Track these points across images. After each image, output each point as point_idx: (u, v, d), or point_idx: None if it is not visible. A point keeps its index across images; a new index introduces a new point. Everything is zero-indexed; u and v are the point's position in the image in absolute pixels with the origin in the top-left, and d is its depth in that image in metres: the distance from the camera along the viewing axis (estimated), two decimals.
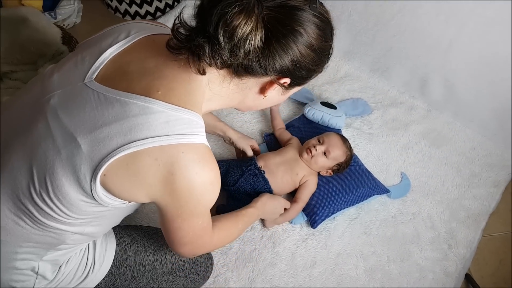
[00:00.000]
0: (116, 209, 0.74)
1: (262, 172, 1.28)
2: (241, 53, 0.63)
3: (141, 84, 0.67)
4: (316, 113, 1.50)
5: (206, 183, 0.69)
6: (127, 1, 1.92)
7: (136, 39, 0.74)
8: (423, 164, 1.51)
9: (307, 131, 1.50)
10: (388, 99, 1.67)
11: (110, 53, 0.71)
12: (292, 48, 0.66)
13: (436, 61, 1.60)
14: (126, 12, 1.97)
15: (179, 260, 1.00)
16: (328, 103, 1.53)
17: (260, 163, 1.30)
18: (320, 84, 1.68)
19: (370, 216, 1.37)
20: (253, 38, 0.62)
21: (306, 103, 1.55)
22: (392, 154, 1.52)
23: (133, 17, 2.00)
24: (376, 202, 1.39)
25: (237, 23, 0.60)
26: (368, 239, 1.32)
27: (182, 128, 0.66)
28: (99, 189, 0.66)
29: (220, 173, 1.26)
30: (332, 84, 1.69)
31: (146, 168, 0.65)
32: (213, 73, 0.70)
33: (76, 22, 1.96)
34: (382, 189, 1.38)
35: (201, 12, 0.64)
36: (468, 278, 1.35)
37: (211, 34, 0.62)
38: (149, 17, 2.00)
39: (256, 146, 1.38)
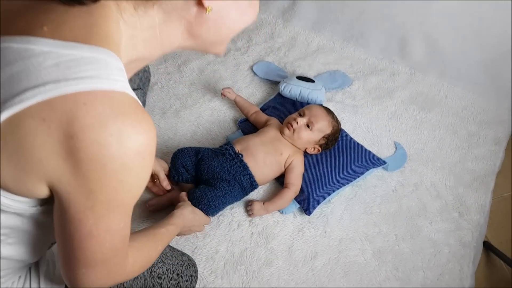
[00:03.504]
0: (31, 218, 0.54)
1: (240, 155, 1.12)
2: None
3: (20, 22, 0.48)
4: (293, 88, 1.36)
5: (131, 152, 0.47)
6: None
7: None
8: (416, 131, 1.41)
9: (285, 110, 1.36)
10: (367, 68, 1.57)
11: None
12: None
13: (415, 18, 1.52)
14: None
15: (153, 273, 0.83)
16: (305, 77, 1.41)
17: (237, 147, 1.16)
18: (292, 61, 1.56)
19: (369, 193, 1.25)
20: None
21: (280, 81, 1.40)
22: (381, 124, 1.41)
23: None
24: (372, 177, 1.28)
25: None
26: (371, 219, 1.20)
27: (81, 70, 0.45)
28: None
29: (194, 159, 1.13)
30: (305, 59, 1.58)
31: (32, 135, 0.44)
32: None
33: None
34: (377, 162, 1.27)
35: None
36: (487, 245, 1.24)
37: None
38: None
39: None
